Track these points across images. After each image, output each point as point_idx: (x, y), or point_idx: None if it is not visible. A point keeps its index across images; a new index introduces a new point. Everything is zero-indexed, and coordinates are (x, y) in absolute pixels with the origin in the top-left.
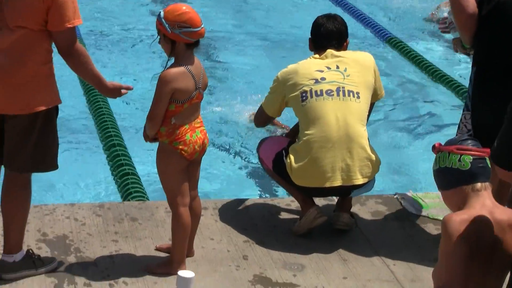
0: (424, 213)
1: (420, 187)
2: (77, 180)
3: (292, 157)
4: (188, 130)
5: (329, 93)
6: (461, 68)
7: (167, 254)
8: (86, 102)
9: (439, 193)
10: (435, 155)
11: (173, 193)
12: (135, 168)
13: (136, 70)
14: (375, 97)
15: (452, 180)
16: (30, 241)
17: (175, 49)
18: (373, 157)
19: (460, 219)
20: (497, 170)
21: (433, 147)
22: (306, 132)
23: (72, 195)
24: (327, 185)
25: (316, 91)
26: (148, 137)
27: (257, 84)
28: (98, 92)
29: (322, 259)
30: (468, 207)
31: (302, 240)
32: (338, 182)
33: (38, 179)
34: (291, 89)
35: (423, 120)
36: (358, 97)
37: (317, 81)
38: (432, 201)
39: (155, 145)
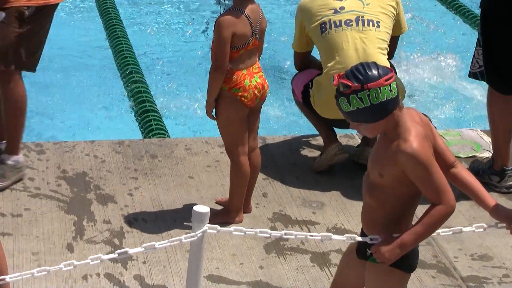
0: None
1: (441, 124)
2: (97, 117)
3: (315, 89)
4: (247, 76)
5: (348, 23)
6: None
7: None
8: (106, 38)
9: (460, 130)
10: (350, 94)
11: (232, 141)
12: (155, 105)
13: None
14: (398, 30)
15: (387, 110)
16: (50, 178)
17: None
18: None
19: (420, 145)
20: None
21: (346, 85)
22: (327, 64)
23: (92, 132)
24: None
25: (335, 22)
26: (210, 108)
27: None
28: (118, 27)
29: (342, 197)
30: (403, 127)
31: (322, 177)
32: None
33: (57, 115)
34: (310, 20)
35: (441, 52)
36: (378, 26)
37: (336, 11)
38: (453, 138)
39: (180, 81)
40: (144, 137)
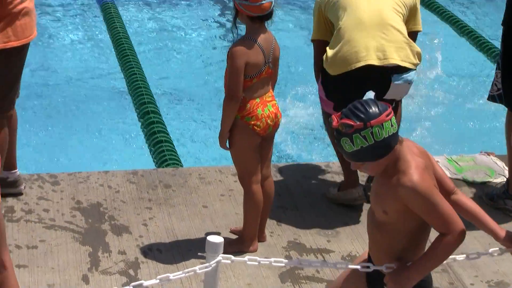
0: (459, 176)
1: (454, 150)
2: (111, 147)
3: (327, 50)
4: (260, 104)
5: None
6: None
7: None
8: (120, 68)
9: (473, 155)
10: (353, 134)
11: (244, 169)
12: (169, 135)
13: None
14: (413, 24)
15: (390, 146)
16: (65, 209)
17: (239, 20)
18: (412, 43)
19: (420, 177)
20: None
21: (348, 125)
22: (338, 23)
23: (106, 162)
24: (362, 63)
25: None
26: (224, 139)
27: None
28: (131, 57)
29: (356, 225)
30: (403, 160)
31: (336, 205)
32: (373, 61)
33: (70, 146)
34: (328, 0)
35: (456, 82)
36: None
37: None
38: (466, 164)
39: (193, 110)
40: (158, 166)
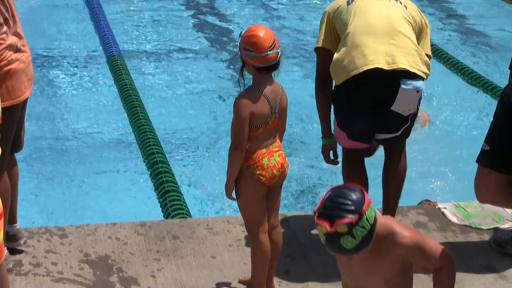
0: (466, 222)
1: (462, 197)
2: (119, 198)
3: (335, 55)
4: (266, 154)
5: None
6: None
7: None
8: (128, 119)
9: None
10: (353, 228)
11: (251, 219)
12: (177, 184)
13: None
14: (421, 47)
15: (376, 223)
16: (73, 262)
17: (246, 70)
18: (421, 51)
19: (407, 230)
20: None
21: (346, 224)
22: (347, 28)
23: (113, 214)
24: (370, 66)
25: None
26: (230, 189)
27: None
28: (139, 108)
29: None
30: (382, 226)
31: None
32: (381, 65)
33: (79, 198)
34: (335, 8)
35: (465, 128)
36: (405, 7)
37: None
38: (474, 210)
39: (200, 160)
40: (166, 217)
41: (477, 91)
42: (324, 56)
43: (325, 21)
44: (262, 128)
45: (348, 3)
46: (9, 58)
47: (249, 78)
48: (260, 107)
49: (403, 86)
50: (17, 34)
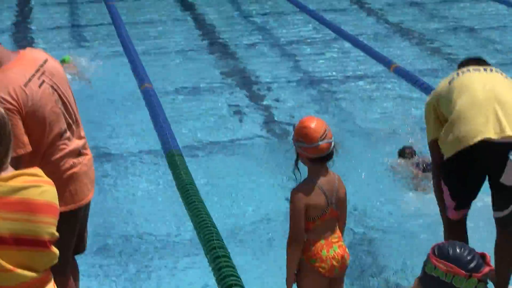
0: None
1: None
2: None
3: (442, 131)
4: (325, 246)
5: (475, 69)
6: None
7: None
8: (188, 215)
9: None
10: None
11: None
12: (239, 277)
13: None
14: None
15: None
16: None
17: (301, 162)
18: None
19: None
20: None
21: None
22: (453, 106)
23: None
24: (479, 138)
25: (462, 71)
26: (290, 282)
27: None
28: (200, 204)
29: None
30: None
31: None
32: (490, 134)
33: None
34: (440, 92)
35: None
36: (507, 77)
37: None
38: None
39: (261, 254)
40: None
41: None
42: (437, 146)
43: (431, 111)
44: (319, 219)
45: (450, 83)
46: (72, 162)
47: (304, 169)
48: (315, 198)
49: (511, 157)
50: (79, 137)
